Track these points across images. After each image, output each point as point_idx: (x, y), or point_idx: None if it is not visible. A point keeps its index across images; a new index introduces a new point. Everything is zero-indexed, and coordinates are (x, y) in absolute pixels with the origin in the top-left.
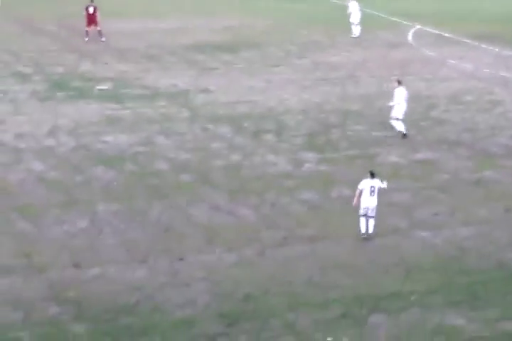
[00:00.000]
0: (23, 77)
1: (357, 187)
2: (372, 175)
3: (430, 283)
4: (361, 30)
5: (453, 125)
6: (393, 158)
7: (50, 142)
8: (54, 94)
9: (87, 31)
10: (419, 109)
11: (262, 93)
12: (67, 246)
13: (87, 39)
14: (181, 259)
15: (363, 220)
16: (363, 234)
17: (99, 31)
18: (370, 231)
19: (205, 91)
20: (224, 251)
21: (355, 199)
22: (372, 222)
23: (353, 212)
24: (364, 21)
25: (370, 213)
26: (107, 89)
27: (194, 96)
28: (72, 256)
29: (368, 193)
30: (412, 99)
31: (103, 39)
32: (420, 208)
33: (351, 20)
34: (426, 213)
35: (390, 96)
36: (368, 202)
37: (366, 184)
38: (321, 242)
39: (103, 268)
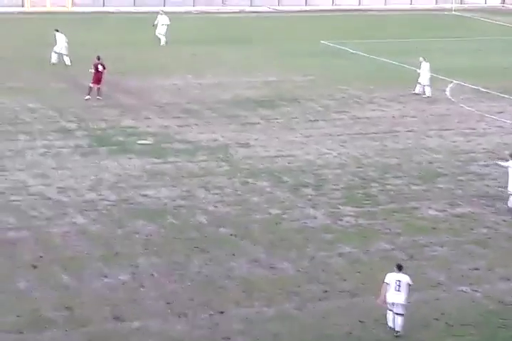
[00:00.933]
0: (67, 133)
1: (383, 280)
2: (400, 268)
3: (471, 338)
4: (424, 88)
5: (492, 179)
6: (432, 212)
7: (92, 196)
8: (96, 148)
9: (90, 88)
10: (457, 163)
11: (301, 147)
12: (108, 299)
13: (87, 97)
14: (221, 312)
15: (390, 314)
16: (389, 327)
17: (99, 89)
18: (397, 328)
19: (245, 145)
20: (263, 304)
21: (381, 294)
22: (399, 320)
23: (392, 266)
24: (402, 77)
25: (397, 310)
26: (148, 144)
27: (234, 151)
28: (112, 309)
29: (393, 288)
30: (451, 154)
31: (100, 97)
32: (460, 262)
33: (420, 80)
34: (465, 267)
35: (428, 150)
36: (394, 297)
37: (392, 278)
38: (361, 296)
39: (143, 322)
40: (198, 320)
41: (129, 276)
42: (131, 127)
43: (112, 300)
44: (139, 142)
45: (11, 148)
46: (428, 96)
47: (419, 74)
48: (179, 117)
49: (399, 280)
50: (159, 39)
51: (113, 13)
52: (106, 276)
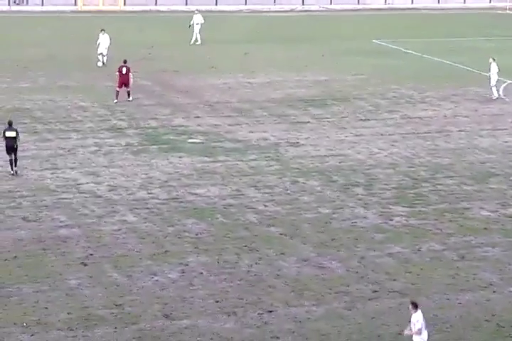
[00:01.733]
0: (118, 131)
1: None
2: (415, 306)
3: None
4: (494, 90)
5: None
6: (484, 213)
7: (142, 194)
8: (147, 147)
9: (117, 92)
10: (510, 163)
11: (352, 146)
12: (158, 297)
13: (116, 101)
14: (270, 312)
15: None
16: None
17: (129, 92)
18: None
19: (295, 144)
20: (312, 304)
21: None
22: None
23: (443, 266)
24: (454, 76)
25: None
26: (198, 143)
27: (284, 150)
28: (162, 307)
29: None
30: (504, 154)
31: (130, 99)
32: None
33: (491, 82)
34: None
35: (481, 150)
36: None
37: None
38: (411, 296)
39: (193, 320)
40: (247, 318)
41: (179, 275)
42: (182, 126)
43: (162, 298)
44: (190, 141)
45: (62, 146)
46: (498, 97)
47: (489, 76)
48: (230, 116)
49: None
50: (195, 38)
51: (164, 12)
52: (156, 274)
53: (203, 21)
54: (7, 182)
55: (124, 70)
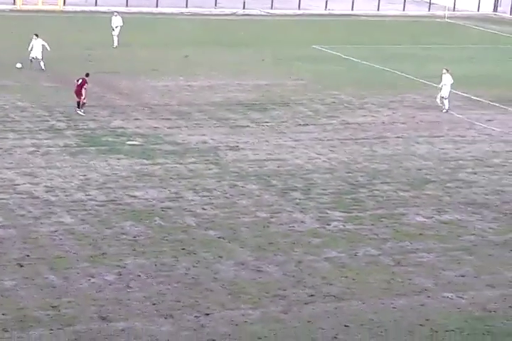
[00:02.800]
0: (56, 132)
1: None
2: None
3: None
4: (446, 102)
5: (480, 187)
6: (420, 219)
7: (80, 196)
8: (85, 148)
9: (78, 102)
10: (446, 170)
11: (291, 151)
12: (95, 299)
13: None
14: (207, 315)
15: None
16: None
17: (78, 103)
18: None
19: (235, 148)
20: (249, 307)
21: None
22: None
23: (379, 271)
24: (393, 83)
25: None
26: (137, 145)
27: (223, 153)
28: (99, 309)
29: None
30: (440, 161)
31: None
32: (446, 269)
33: (442, 93)
34: (451, 274)
35: (417, 156)
36: None
37: None
38: (347, 301)
39: (129, 322)
40: (184, 321)
41: (116, 277)
42: (120, 128)
43: (99, 300)
44: (129, 143)
45: None
46: (447, 110)
47: (440, 87)
48: (169, 119)
49: None
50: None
51: (104, 12)
52: (92, 276)
53: (121, 24)
54: None
55: (79, 82)
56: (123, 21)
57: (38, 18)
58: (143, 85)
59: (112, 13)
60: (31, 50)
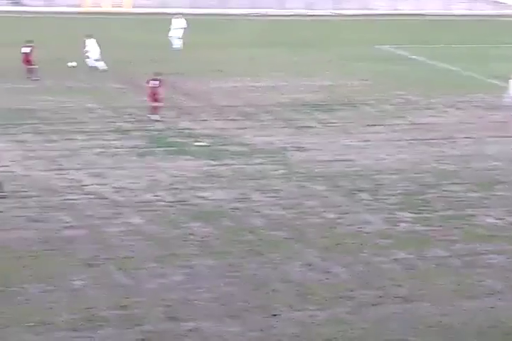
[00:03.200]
0: (124, 133)
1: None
2: None
3: None
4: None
5: None
6: (490, 220)
7: (148, 196)
8: (153, 149)
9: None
10: None
11: (358, 152)
12: (163, 300)
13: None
14: (275, 315)
15: None
16: None
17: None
18: None
19: (301, 149)
20: (317, 308)
21: None
22: None
23: (448, 273)
24: (461, 83)
25: None
26: (205, 146)
27: (290, 154)
28: (167, 309)
29: None
30: (510, 161)
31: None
32: None
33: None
34: None
35: (487, 157)
36: None
37: None
38: (415, 302)
39: (197, 323)
40: (252, 322)
41: (184, 277)
42: (188, 129)
43: (167, 300)
44: (196, 144)
45: (68, 147)
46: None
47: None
48: (236, 120)
49: None
50: (172, 42)
51: (170, 14)
52: (161, 276)
53: (185, 26)
54: (13, 182)
55: (152, 83)
56: (187, 23)
57: (104, 19)
58: (209, 86)
59: (175, 15)
60: (88, 52)
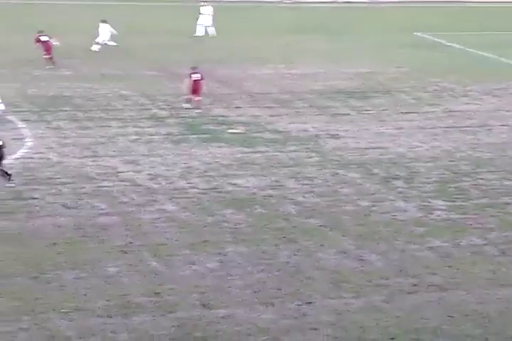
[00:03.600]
0: (159, 120)
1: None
2: None
3: None
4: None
5: None
6: None
7: (182, 183)
8: (187, 136)
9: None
10: None
11: (392, 139)
12: (197, 287)
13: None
14: (309, 303)
15: None
16: None
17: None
18: None
19: (335, 136)
20: (351, 296)
21: None
22: None
23: (483, 261)
24: (497, 70)
25: None
26: (239, 133)
27: (324, 142)
28: (200, 296)
29: None
30: None
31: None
32: None
33: None
34: None
35: None
36: None
37: None
38: (451, 291)
39: (230, 310)
40: (285, 309)
41: (217, 264)
42: (222, 116)
43: (200, 287)
44: (230, 131)
45: (103, 134)
46: None
47: None
48: (270, 107)
49: None
50: (200, 30)
51: (206, 1)
52: (194, 264)
53: (212, 13)
54: (47, 168)
55: (195, 76)
56: (214, 10)
57: (141, 7)
58: (244, 73)
59: (201, 2)
60: (100, 34)
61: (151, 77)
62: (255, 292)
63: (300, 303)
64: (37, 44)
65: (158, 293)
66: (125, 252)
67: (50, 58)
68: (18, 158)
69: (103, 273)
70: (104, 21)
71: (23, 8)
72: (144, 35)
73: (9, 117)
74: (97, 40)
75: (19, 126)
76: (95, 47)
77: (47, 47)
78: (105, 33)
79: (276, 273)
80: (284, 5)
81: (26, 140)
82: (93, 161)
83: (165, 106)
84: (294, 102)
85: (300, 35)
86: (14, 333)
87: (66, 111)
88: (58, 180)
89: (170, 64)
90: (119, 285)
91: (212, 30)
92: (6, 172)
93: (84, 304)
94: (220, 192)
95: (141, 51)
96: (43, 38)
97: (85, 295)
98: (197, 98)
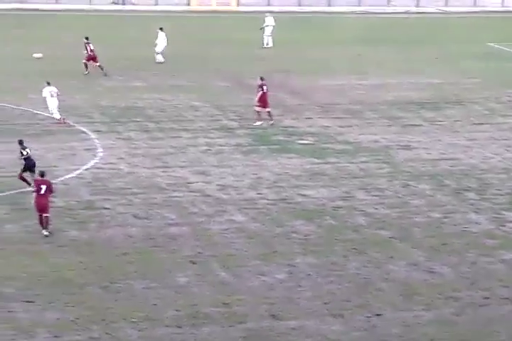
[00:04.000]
0: (228, 131)
1: None
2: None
3: None
4: None
5: None
6: None
7: (251, 194)
8: (257, 147)
9: (258, 113)
10: None
11: (465, 151)
12: (266, 298)
13: (259, 123)
14: (378, 315)
15: None
16: None
17: (269, 112)
18: None
19: (407, 147)
20: (421, 308)
21: None
22: None
23: None
24: None
25: None
26: (308, 144)
27: (395, 153)
28: (269, 307)
29: None
30: None
31: (272, 122)
32: None
33: None
34: None
35: None
36: None
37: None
38: None
39: (300, 321)
40: (355, 321)
41: (287, 275)
42: (292, 127)
43: (269, 298)
44: (300, 142)
45: (173, 145)
46: None
47: None
48: (341, 118)
49: None
50: (264, 41)
51: (276, 12)
52: (263, 274)
53: (273, 24)
54: (118, 179)
55: (264, 88)
56: (274, 21)
57: (211, 18)
58: (314, 84)
59: (266, 13)
60: (156, 45)
61: (222, 88)
62: (325, 303)
63: (370, 315)
64: (85, 52)
65: (227, 303)
66: (194, 262)
67: (99, 66)
68: (89, 169)
69: (173, 283)
70: (161, 29)
71: (99, 19)
72: (215, 46)
73: (81, 128)
74: (157, 50)
75: (91, 136)
76: (159, 58)
77: (94, 55)
78: (163, 41)
79: (346, 285)
80: (355, 15)
81: (98, 150)
82: (163, 172)
83: (235, 117)
84: (365, 113)
85: (371, 45)
86: None
87: (137, 121)
88: (129, 190)
89: (241, 75)
90: (188, 296)
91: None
92: (27, 181)
93: (153, 314)
94: (290, 203)
95: (213, 62)
96: (90, 46)
97: (155, 304)
98: (267, 109)
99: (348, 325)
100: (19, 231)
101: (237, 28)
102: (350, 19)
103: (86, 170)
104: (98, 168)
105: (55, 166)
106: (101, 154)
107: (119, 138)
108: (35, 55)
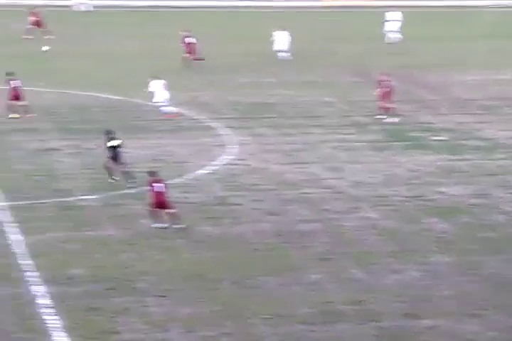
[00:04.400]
0: (361, 127)
1: None
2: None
3: None
4: None
5: None
6: None
7: (385, 191)
8: (390, 143)
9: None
10: None
11: None
12: (400, 296)
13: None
14: None
15: None
16: None
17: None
18: None
19: None
20: None
21: None
22: None
23: None
24: None
25: None
26: (443, 140)
27: None
28: (403, 305)
29: None
30: None
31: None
32: None
33: None
34: None
35: None
36: None
37: None
38: None
39: (435, 320)
40: (492, 322)
41: (421, 273)
42: (426, 123)
43: (403, 296)
44: (434, 138)
45: (305, 141)
46: None
47: None
48: (477, 113)
49: None
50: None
51: (409, 7)
52: (397, 272)
53: (400, 18)
54: (251, 175)
55: (386, 84)
56: (402, 16)
57: (342, 13)
58: (450, 79)
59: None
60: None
61: (353, 84)
62: (461, 303)
63: (508, 316)
64: (183, 44)
65: (360, 301)
66: (327, 259)
67: (197, 58)
68: (221, 164)
69: (305, 280)
70: (282, 29)
71: (220, 17)
72: (345, 42)
73: (212, 124)
74: (279, 48)
75: (221, 132)
76: (282, 55)
77: (191, 48)
78: (282, 40)
79: (483, 284)
80: (490, 9)
81: (228, 146)
82: (295, 168)
83: (367, 113)
84: (503, 109)
85: (508, 39)
86: (217, 337)
87: (269, 117)
88: (261, 186)
89: (372, 70)
90: (321, 293)
91: (396, 36)
92: (128, 172)
93: (286, 310)
94: (424, 200)
95: (343, 57)
96: (188, 40)
97: (287, 301)
98: (391, 105)
99: (484, 325)
100: (153, 227)
101: (369, 22)
102: (484, 13)
103: (218, 165)
104: (230, 164)
105: (187, 162)
106: (232, 150)
107: (250, 134)
108: (43, 48)
